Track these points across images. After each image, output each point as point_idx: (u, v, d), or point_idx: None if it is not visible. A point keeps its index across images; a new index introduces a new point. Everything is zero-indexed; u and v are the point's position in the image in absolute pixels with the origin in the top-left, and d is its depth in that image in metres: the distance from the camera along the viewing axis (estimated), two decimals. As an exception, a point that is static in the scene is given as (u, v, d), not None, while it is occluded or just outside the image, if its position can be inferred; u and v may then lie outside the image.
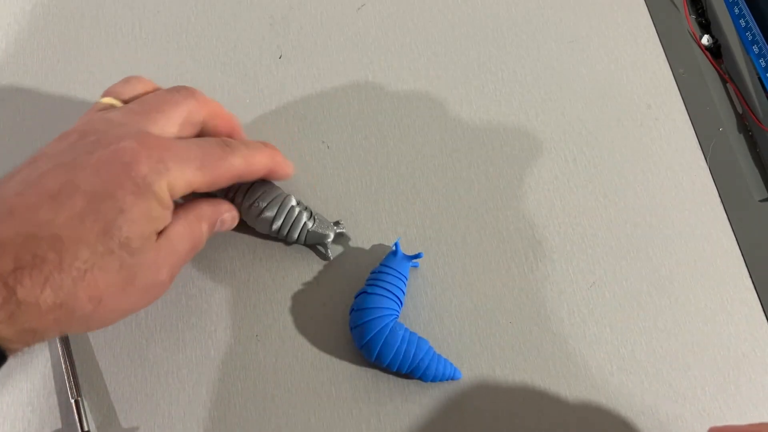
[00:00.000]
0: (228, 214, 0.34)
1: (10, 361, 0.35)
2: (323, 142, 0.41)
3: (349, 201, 0.39)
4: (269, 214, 0.35)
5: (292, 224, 0.35)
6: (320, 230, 0.36)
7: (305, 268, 0.37)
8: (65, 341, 0.35)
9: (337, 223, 0.37)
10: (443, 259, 0.37)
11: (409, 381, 0.34)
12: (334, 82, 0.42)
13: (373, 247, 0.38)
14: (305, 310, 0.36)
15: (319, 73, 0.43)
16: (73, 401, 0.33)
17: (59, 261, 0.25)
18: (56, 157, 0.28)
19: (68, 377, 0.34)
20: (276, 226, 0.35)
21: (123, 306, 0.29)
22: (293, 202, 0.35)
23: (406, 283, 0.35)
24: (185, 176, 0.29)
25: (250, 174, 0.33)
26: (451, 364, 0.34)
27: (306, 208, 0.36)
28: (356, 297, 0.34)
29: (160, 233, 0.29)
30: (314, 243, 0.37)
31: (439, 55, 0.43)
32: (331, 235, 0.36)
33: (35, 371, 0.35)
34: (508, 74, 0.43)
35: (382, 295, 0.33)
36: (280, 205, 0.35)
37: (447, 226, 0.38)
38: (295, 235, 0.36)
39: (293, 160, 0.40)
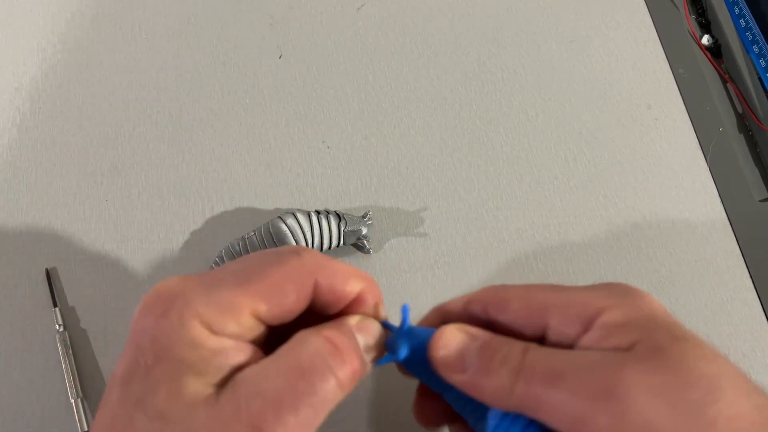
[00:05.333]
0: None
1: (11, 362, 0.35)
2: (323, 142, 0.41)
3: (349, 201, 0.39)
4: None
5: (322, 235, 0.35)
6: (354, 227, 0.36)
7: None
8: (65, 342, 0.35)
9: (365, 215, 0.37)
10: (443, 259, 0.37)
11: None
12: (334, 82, 0.42)
13: (373, 247, 0.38)
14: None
15: (319, 73, 0.43)
16: (73, 401, 0.33)
17: None
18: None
19: (68, 378, 0.34)
20: (315, 247, 0.35)
21: None
22: (289, 219, 0.35)
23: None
24: (222, 300, 0.21)
25: (315, 275, 0.23)
26: None
27: (329, 213, 0.36)
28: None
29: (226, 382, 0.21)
30: (351, 243, 0.37)
31: (439, 55, 0.43)
32: (364, 230, 0.36)
33: (35, 371, 0.35)
34: (508, 74, 0.43)
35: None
36: (280, 235, 0.35)
37: (447, 226, 0.38)
38: (334, 242, 0.36)
39: (293, 160, 0.40)
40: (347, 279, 0.23)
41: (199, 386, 0.20)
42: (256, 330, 0.22)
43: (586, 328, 0.22)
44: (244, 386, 0.20)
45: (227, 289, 0.21)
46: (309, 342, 0.21)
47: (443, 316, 0.26)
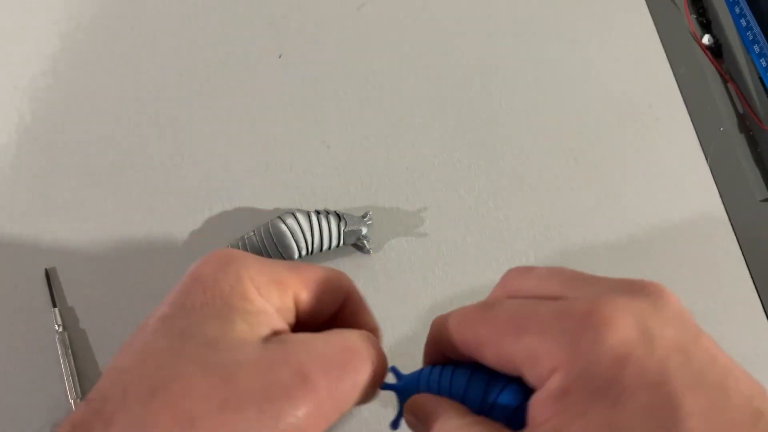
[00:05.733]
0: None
1: (10, 362, 0.35)
2: (323, 142, 0.41)
3: (349, 201, 0.39)
4: (294, 247, 0.35)
5: (322, 235, 0.35)
6: (354, 227, 0.36)
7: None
8: (65, 342, 0.35)
9: (365, 215, 0.37)
10: (443, 259, 0.37)
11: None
12: (334, 82, 0.42)
13: (373, 247, 0.37)
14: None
15: (319, 73, 0.43)
16: (72, 401, 0.33)
17: None
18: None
19: (68, 378, 0.34)
20: (315, 247, 0.35)
21: None
22: (289, 220, 0.35)
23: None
24: (273, 272, 0.23)
25: (339, 282, 0.25)
26: None
27: (329, 213, 0.36)
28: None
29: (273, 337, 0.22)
30: (351, 243, 0.37)
31: (439, 55, 0.43)
32: (364, 230, 0.36)
33: (35, 372, 0.35)
34: (508, 74, 0.43)
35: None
36: (281, 234, 0.35)
37: (447, 226, 0.38)
38: (334, 242, 0.36)
39: (293, 160, 0.40)
40: (369, 312, 0.25)
41: (248, 330, 0.21)
42: (290, 315, 0.23)
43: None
44: (294, 342, 0.21)
45: (280, 268, 0.22)
46: (353, 332, 0.23)
47: (439, 348, 0.24)
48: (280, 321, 0.22)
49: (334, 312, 0.24)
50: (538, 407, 0.19)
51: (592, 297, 0.20)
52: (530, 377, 0.19)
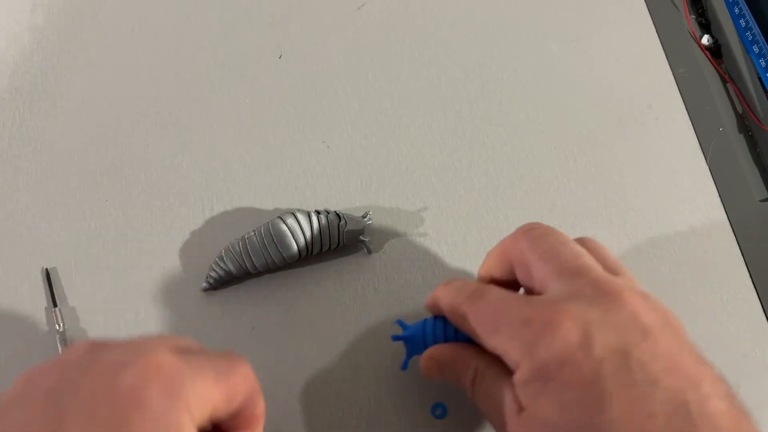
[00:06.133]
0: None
1: (11, 362, 0.35)
2: (323, 142, 0.41)
3: (349, 201, 0.39)
4: (294, 247, 0.35)
5: (322, 235, 0.35)
6: (354, 227, 0.36)
7: (302, 271, 0.37)
8: (65, 342, 0.35)
9: (365, 215, 0.37)
10: (443, 259, 0.37)
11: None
12: (334, 82, 0.42)
13: (373, 247, 0.38)
14: (300, 308, 0.36)
15: (319, 73, 0.43)
16: (72, 401, 0.33)
17: None
18: (34, 405, 0.21)
19: (68, 377, 0.34)
20: (315, 247, 0.35)
21: None
22: (289, 220, 0.35)
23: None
24: (205, 393, 0.22)
25: (257, 391, 0.26)
26: None
27: (329, 213, 0.36)
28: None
29: None
30: (351, 243, 0.36)
31: (439, 55, 0.43)
32: (364, 230, 0.36)
33: (35, 371, 0.35)
34: (508, 73, 0.43)
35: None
36: (281, 233, 0.35)
37: (447, 226, 0.38)
38: (334, 242, 0.36)
39: (293, 160, 0.40)
40: (261, 400, 0.26)
41: None
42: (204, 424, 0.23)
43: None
44: None
45: (209, 381, 0.23)
46: None
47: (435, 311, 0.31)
48: None
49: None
50: (515, 388, 0.24)
51: (555, 303, 0.24)
52: (506, 362, 0.25)
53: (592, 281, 0.25)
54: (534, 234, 0.28)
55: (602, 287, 0.24)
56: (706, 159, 0.40)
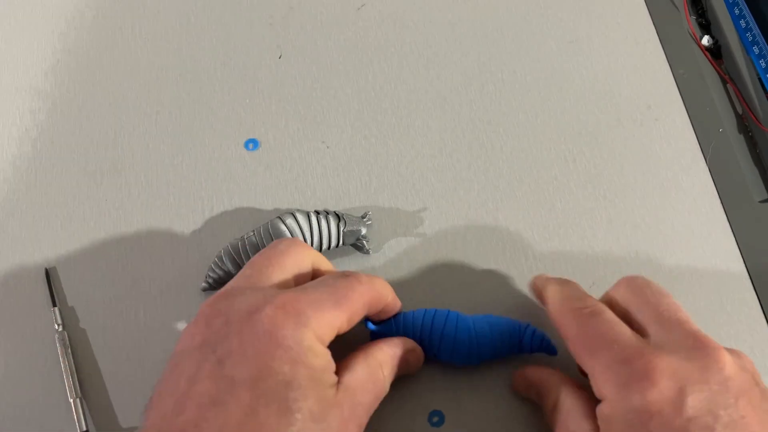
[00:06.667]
0: (413, 353, 0.32)
1: (10, 361, 0.35)
2: (323, 142, 0.41)
3: (349, 201, 0.39)
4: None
5: (321, 235, 0.35)
6: (353, 227, 0.36)
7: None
8: (64, 342, 0.35)
9: (364, 216, 0.37)
10: (442, 260, 0.37)
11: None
12: (334, 82, 0.42)
13: (373, 247, 0.38)
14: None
15: (319, 73, 0.43)
16: (72, 401, 0.33)
17: None
18: (195, 357, 0.26)
19: (67, 377, 0.34)
20: (314, 247, 0.35)
21: None
22: (288, 220, 0.35)
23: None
24: (327, 319, 0.27)
25: (377, 299, 0.30)
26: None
27: (328, 213, 0.36)
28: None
29: (338, 385, 0.27)
30: (350, 243, 0.36)
31: (439, 55, 0.43)
32: (363, 230, 0.36)
33: (34, 371, 0.35)
34: (508, 74, 0.43)
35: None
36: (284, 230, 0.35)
37: (447, 226, 0.38)
38: (333, 242, 0.36)
39: (293, 160, 0.40)
40: (390, 294, 0.32)
41: (332, 395, 0.26)
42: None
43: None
44: (352, 391, 0.27)
45: (328, 310, 0.27)
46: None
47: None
48: (332, 361, 0.27)
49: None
50: (597, 418, 0.26)
51: (656, 350, 0.25)
52: (592, 384, 0.27)
53: (691, 335, 0.26)
54: (637, 282, 0.30)
55: (702, 342, 0.26)
56: (705, 160, 0.40)
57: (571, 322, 0.29)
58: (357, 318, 0.29)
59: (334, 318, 0.27)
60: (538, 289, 0.33)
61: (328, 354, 0.27)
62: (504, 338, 0.32)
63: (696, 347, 0.26)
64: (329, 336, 0.27)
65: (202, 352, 0.25)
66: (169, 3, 0.45)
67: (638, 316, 0.29)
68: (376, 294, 0.30)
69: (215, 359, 0.25)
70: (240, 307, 0.26)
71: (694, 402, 0.24)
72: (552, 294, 0.31)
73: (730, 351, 0.26)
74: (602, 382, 0.26)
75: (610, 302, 0.31)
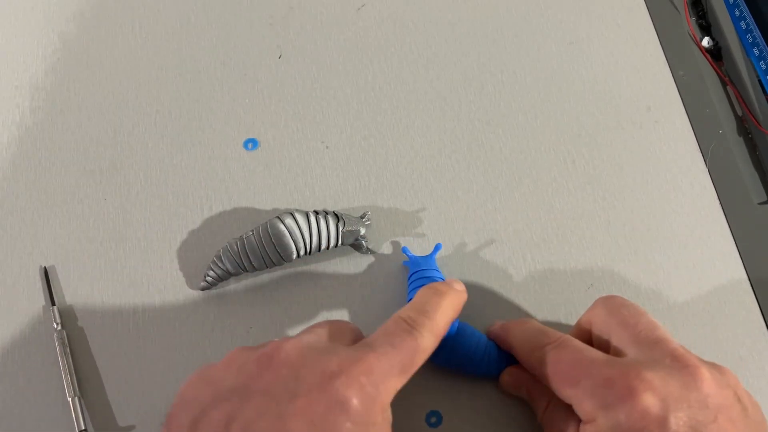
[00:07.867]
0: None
1: (8, 360, 0.35)
2: (322, 142, 0.41)
3: (348, 201, 0.39)
4: (291, 247, 0.35)
5: (320, 235, 0.35)
6: (352, 227, 0.36)
7: (301, 271, 0.37)
8: (63, 341, 0.35)
9: (363, 216, 0.37)
10: (442, 260, 0.37)
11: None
12: (333, 82, 0.42)
13: (372, 247, 0.38)
14: (298, 308, 0.36)
15: (318, 73, 0.43)
16: (70, 400, 0.34)
17: None
18: (257, 398, 0.25)
19: (66, 376, 0.34)
20: (313, 247, 0.35)
21: None
22: (287, 220, 0.35)
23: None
24: (393, 386, 0.27)
25: (438, 339, 0.30)
26: None
27: (327, 213, 0.36)
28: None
29: None
30: (349, 243, 0.36)
31: (439, 55, 0.43)
32: (362, 230, 0.36)
33: (33, 370, 0.35)
34: (507, 75, 0.43)
35: None
36: (279, 234, 0.35)
37: (446, 227, 0.38)
38: (332, 242, 0.36)
39: (292, 159, 0.40)
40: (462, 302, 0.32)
41: None
42: None
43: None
44: None
45: (396, 376, 0.27)
46: None
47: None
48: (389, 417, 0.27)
49: None
50: None
51: (638, 369, 0.26)
52: (576, 410, 0.27)
53: (670, 352, 0.27)
54: (614, 302, 0.30)
55: (681, 360, 0.26)
56: (705, 161, 0.40)
57: (542, 359, 0.29)
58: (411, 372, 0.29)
59: (399, 383, 0.27)
60: (499, 337, 0.33)
61: (388, 420, 0.27)
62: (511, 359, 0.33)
63: (675, 366, 0.26)
64: (389, 400, 0.27)
65: (265, 399, 0.25)
66: (169, 3, 0.45)
67: (616, 336, 0.29)
68: (445, 328, 0.30)
69: (279, 414, 0.24)
70: (312, 367, 0.26)
71: (676, 420, 0.24)
72: (515, 337, 0.32)
73: (712, 367, 0.26)
74: (585, 406, 0.26)
75: (587, 323, 0.31)
